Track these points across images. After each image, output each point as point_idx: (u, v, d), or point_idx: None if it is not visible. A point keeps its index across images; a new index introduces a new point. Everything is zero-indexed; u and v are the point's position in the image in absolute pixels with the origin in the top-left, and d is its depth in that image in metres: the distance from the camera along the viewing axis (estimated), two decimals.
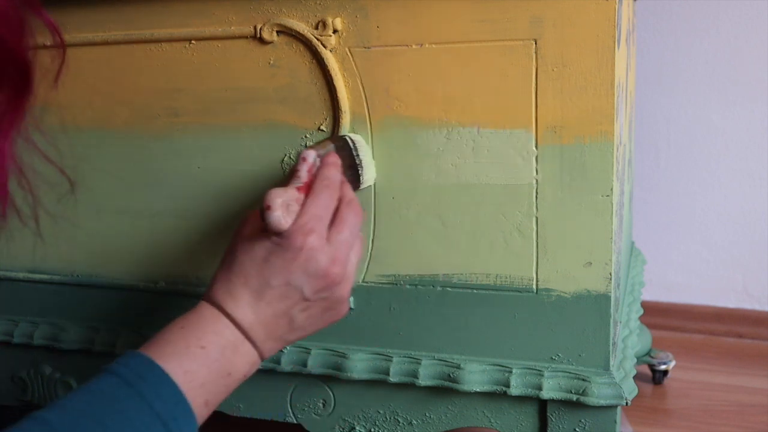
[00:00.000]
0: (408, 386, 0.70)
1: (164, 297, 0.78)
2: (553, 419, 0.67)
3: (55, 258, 0.81)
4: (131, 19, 0.71)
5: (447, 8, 0.61)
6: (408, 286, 0.69)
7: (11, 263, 0.84)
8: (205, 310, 0.54)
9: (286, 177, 0.63)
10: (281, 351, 0.73)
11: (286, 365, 0.72)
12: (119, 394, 0.47)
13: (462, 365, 0.67)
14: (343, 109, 0.66)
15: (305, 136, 0.68)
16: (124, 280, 0.79)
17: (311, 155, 0.58)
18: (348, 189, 0.59)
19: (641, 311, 0.90)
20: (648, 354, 1.09)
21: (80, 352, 0.81)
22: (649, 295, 1.31)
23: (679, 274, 1.33)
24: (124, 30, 0.71)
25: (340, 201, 0.57)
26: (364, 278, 0.70)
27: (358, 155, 0.64)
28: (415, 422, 0.71)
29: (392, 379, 0.69)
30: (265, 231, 0.54)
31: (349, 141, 0.64)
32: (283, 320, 0.55)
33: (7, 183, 0.43)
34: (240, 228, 0.58)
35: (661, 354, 1.09)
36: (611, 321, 0.64)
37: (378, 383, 0.71)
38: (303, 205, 0.55)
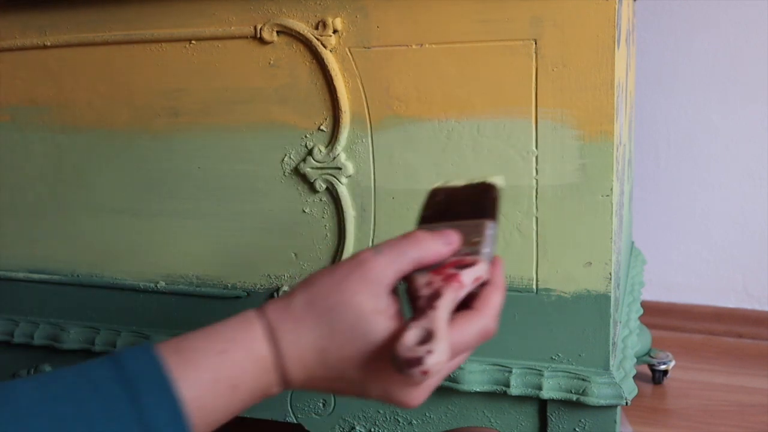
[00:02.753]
0: None
1: (164, 297, 0.78)
2: (553, 419, 0.67)
3: (55, 258, 0.81)
4: (131, 19, 0.71)
5: (447, 8, 0.61)
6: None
7: (11, 263, 0.84)
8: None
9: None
10: None
11: None
12: (108, 391, 0.39)
13: (462, 365, 0.67)
14: (343, 109, 0.66)
15: (305, 136, 0.68)
16: (124, 280, 0.79)
17: (470, 276, 0.44)
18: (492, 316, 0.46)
19: (641, 311, 0.90)
20: (648, 354, 1.08)
21: (80, 352, 0.81)
22: (649, 295, 1.31)
23: (679, 274, 1.33)
24: (124, 30, 0.71)
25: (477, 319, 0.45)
26: None
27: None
28: (415, 422, 0.71)
29: None
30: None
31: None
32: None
33: None
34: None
35: (661, 354, 1.09)
36: (611, 321, 0.64)
37: None
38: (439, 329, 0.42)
